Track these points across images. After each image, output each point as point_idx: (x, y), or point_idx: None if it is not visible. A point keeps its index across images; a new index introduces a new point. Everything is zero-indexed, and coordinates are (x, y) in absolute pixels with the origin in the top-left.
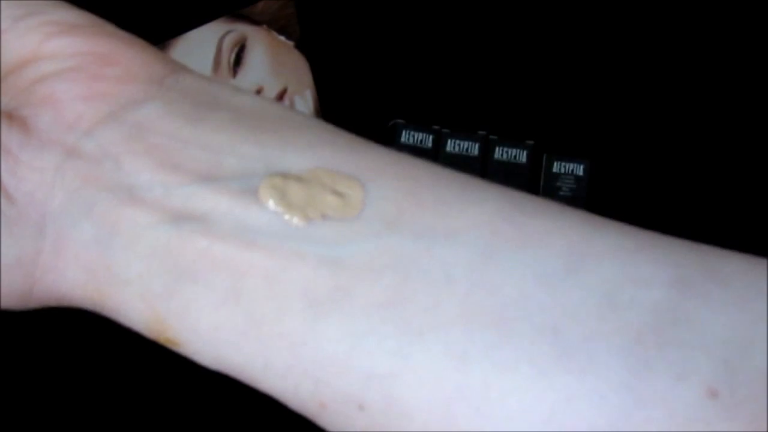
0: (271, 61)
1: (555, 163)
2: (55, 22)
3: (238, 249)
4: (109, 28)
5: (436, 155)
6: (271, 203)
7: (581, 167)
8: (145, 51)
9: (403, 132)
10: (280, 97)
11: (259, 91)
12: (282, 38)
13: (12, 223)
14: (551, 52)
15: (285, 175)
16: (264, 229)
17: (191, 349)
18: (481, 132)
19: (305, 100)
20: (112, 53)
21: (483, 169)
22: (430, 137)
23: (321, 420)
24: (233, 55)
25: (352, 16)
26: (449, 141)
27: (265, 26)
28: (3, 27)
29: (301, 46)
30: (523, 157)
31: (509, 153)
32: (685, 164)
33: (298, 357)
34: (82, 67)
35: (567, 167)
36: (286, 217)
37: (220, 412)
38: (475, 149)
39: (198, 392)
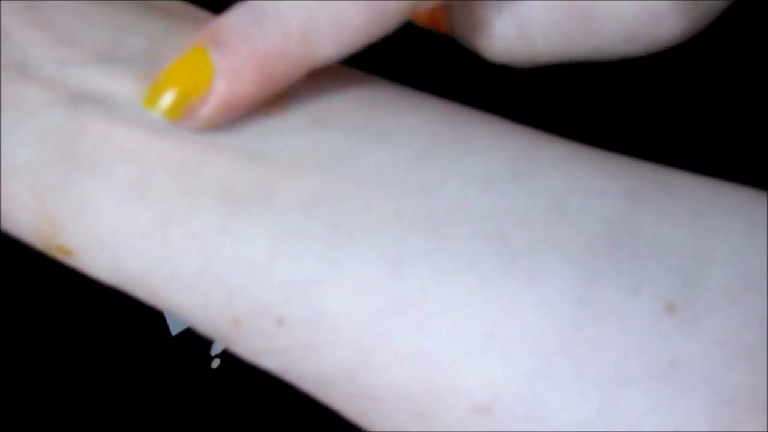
0: None
1: None
2: None
3: (145, 137)
4: None
5: None
6: None
7: None
8: None
9: None
10: None
11: None
12: None
13: None
14: None
15: None
16: None
17: (86, 259)
18: None
19: None
20: None
21: None
22: None
23: (235, 343)
24: None
25: None
26: None
27: None
28: None
29: None
30: None
31: None
32: (685, 164)
33: (211, 261)
34: None
35: None
36: None
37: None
38: None
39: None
